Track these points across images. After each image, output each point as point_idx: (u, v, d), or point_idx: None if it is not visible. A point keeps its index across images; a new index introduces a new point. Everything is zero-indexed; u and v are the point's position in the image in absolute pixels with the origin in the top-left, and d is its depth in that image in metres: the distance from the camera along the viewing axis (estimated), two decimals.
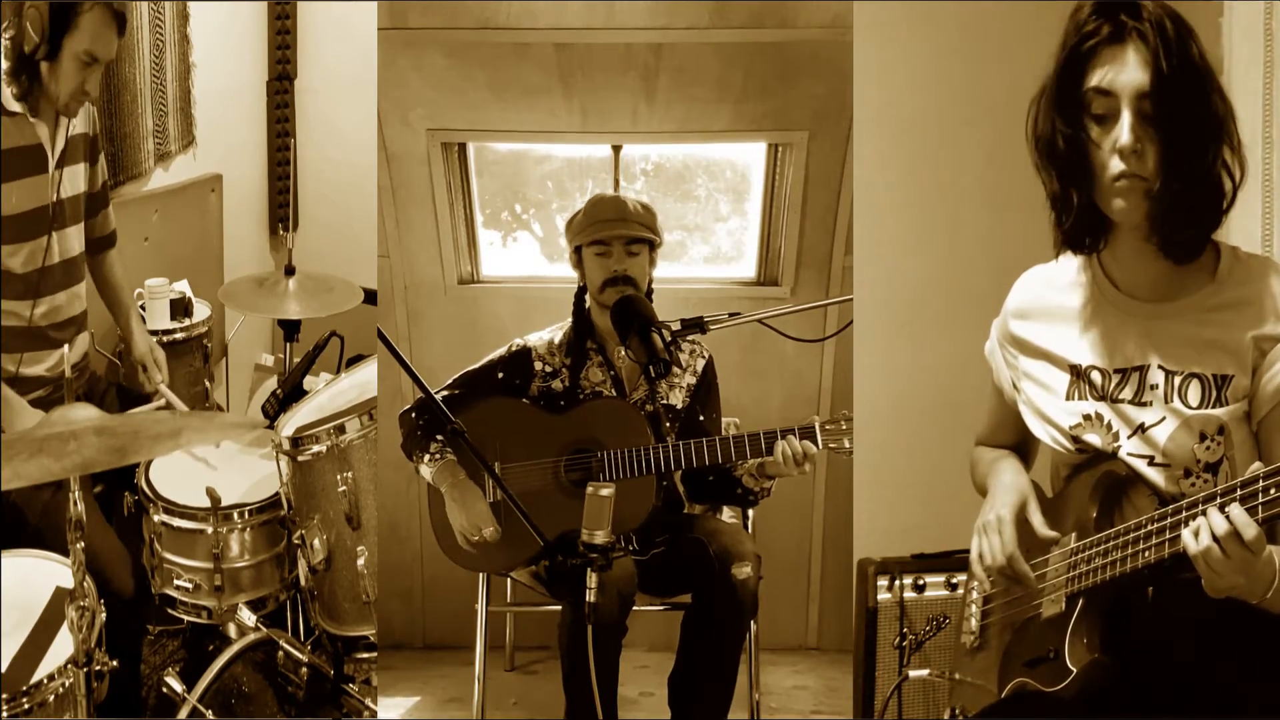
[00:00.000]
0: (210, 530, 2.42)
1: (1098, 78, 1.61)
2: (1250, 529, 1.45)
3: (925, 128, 2.91)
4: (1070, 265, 1.82)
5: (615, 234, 2.69)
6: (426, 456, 2.68)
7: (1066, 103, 1.65)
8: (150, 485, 2.50)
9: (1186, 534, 1.51)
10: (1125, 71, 1.59)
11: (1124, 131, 1.59)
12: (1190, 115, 1.58)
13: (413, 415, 2.72)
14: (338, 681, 2.37)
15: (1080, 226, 1.69)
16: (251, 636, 2.37)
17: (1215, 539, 1.47)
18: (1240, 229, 2.49)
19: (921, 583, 2.70)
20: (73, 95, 2.45)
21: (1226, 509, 1.47)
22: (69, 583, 1.83)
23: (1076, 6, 1.66)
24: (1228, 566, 1.47)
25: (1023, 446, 1.99)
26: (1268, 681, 1.65)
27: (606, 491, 1.91)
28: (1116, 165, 1.61)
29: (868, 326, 2.89)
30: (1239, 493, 1.47)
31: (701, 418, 2.78)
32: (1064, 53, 1.66)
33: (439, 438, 2.66)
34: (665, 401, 2.74)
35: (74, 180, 2.62)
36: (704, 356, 2.83)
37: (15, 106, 2.46)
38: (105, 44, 2.44)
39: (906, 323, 2.96)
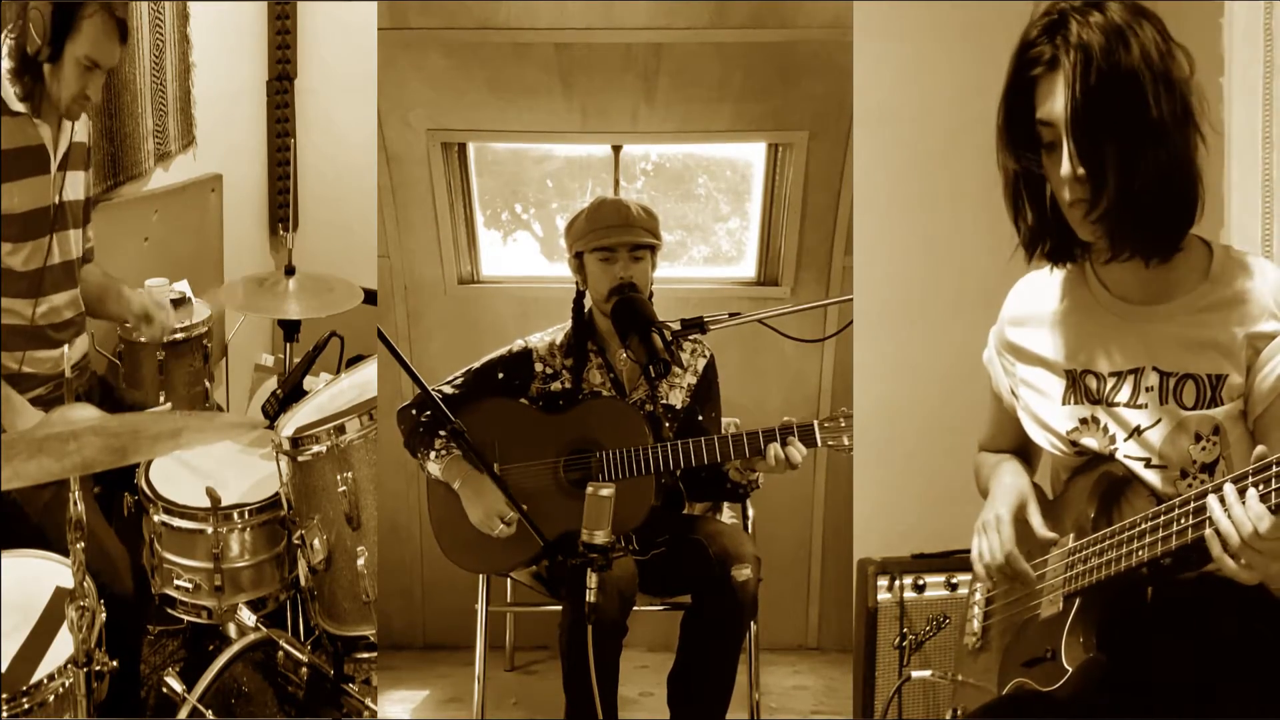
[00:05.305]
0: (210, 530, 2.42)
1: (1040, 109, 1.61)
2: (1265, 519, 1.42)
3: (925, 128, 2.90)
4: (1064, 271, 1.82)
5: (620, 241, 2.64)
6: (433, 454, 2.66)
7: (1016, 138, 1.65)
8: (150, 485, 2.50)
9: (1215, 549, 1.46)
10: (1054, 99, 1.59)
11: (1064, 161, 1.59)
12: (1121, 126, 1.55)
13: (413, 412, 2.71)
14: (338, 681, 2.38)
15: (1054, 249, 1.71)
16: (251, 636, 2.37)
17: (1242, 542, 1.44)
18: (1240, 229, 2.49)
19: (921, 583, 2.70)
20: (74, 99, 2.46)
21: (1234, 514, 1.44)
22: (69, 583, 1.84)
23: (1023, 33, 1.64)
24: (1260, 560, 1.45)
25: (1025, 451, 1.99)
26: (1264, 681, 1.66)
27: (606, 491, 1.91)
28: (1066, 194, 1.61)
29: (868, 326, 2.89)
30: (1250, 479, 1.44)
31: (701, 417, 2.78)
32: (1006, 86, 1.65)
33: (442, 434, 2.64)
34: (665, 401, 2.74)
35: (75, 185, 2.62)
36: (705, 356, 2.82)
37: (19, 107, 2.47)
38: (107, 50, 2.45)
39: (906, 323, 2.95)
